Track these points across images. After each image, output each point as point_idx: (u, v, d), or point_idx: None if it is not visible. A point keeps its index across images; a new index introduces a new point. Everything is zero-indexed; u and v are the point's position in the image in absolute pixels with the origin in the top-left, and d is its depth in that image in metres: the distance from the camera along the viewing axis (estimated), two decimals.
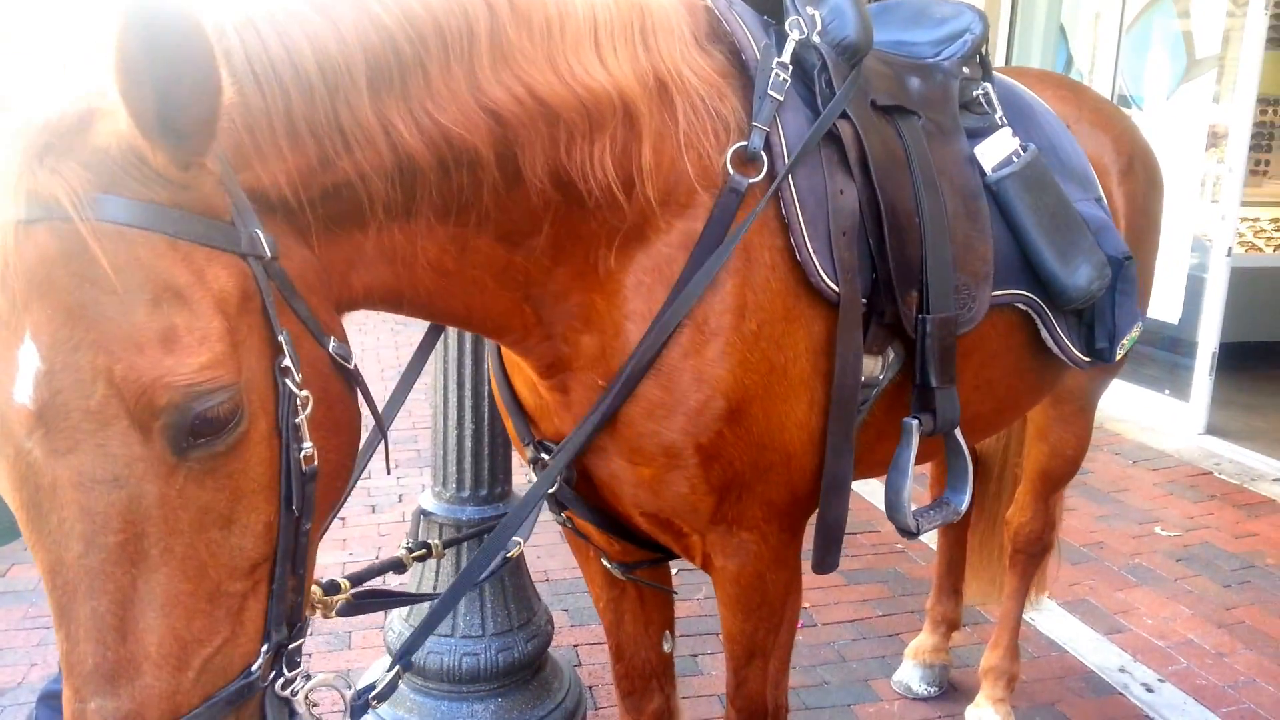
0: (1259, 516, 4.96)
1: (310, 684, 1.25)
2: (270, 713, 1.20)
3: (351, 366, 1.28)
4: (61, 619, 1.05)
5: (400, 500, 4.79)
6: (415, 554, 1.81)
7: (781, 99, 1.67)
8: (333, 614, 1.49)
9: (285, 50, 1.22)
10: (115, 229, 1.02)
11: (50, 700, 2.84)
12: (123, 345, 1.01)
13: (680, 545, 1.86)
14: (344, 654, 3.52)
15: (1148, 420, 6.25)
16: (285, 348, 1.15)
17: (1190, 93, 6.37)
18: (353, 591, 1.51)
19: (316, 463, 1.19)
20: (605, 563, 2.05)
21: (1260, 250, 7.76)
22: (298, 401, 1.16)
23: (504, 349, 1.86)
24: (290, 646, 1.22)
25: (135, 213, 1.04)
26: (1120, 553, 4.51)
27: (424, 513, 2.77)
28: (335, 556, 4.24)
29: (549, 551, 4.29)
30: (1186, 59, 6.44)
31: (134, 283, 1.02)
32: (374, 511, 4.59)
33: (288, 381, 1.15)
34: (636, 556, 2.03)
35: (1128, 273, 2.17)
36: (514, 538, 1.66)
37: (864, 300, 1.73)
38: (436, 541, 1.77)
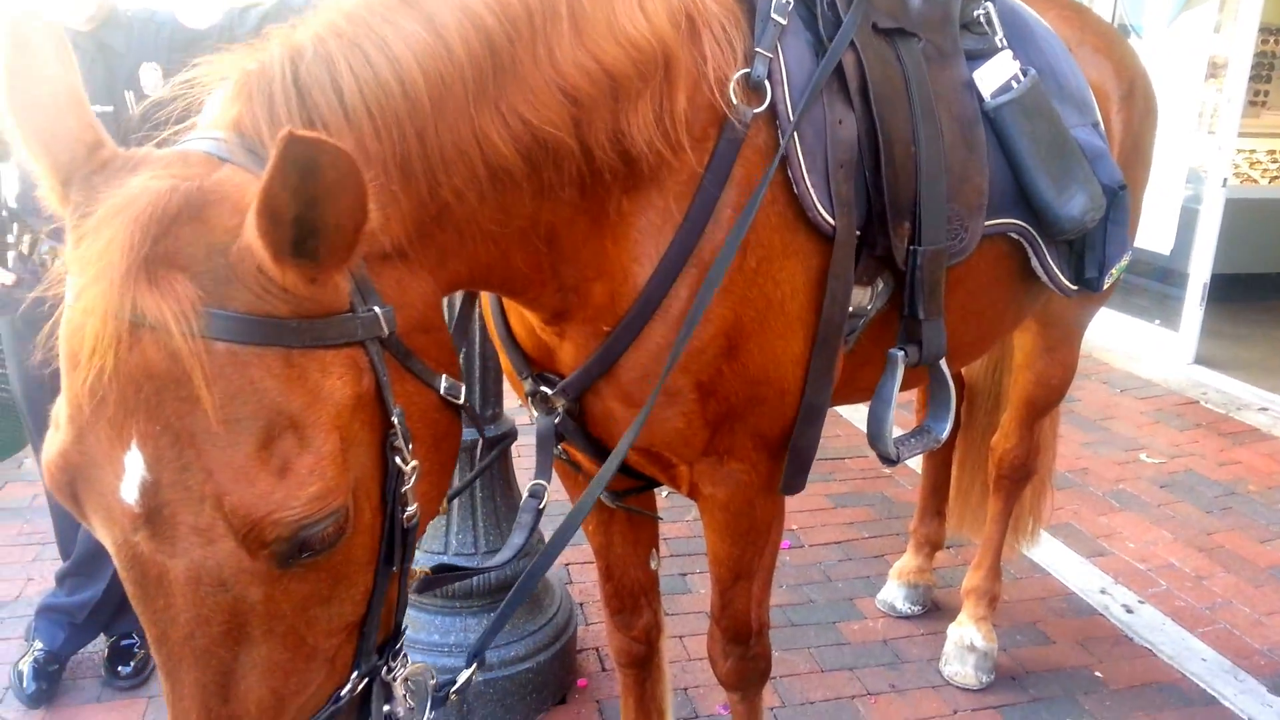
0: (1243, 444, 5.03)
1: (404, 673, 1.29)
2: (375, 702, 1.24)
3: (461, 400, 1.26)
4: (167, 677, 1.09)
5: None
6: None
7: (785, 22, 1.62)
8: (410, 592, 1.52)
9: (397, 78, 1.18)
10: (226, 349, 0.99)
11: (49, 614, 2.89)
12: (232, 476, 0.99)
13: (667, 475, 1.87)
14: None
15: (1137, 350, 6.29)
16: (398, 424, 1.13)
17: (1191, 21, 6.28)
18: (430, 567, 1.52)
19: (419, 517, 1.19)
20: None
21: (1255, 182, 7.73)
22: (405, 474, 1.15)
23: None
24: (388, 655, 1.26)
25: (250, 330, 1.00)
26: (1105, 479, 4.58)
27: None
28: None
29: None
30: None
31: (245, 411, 0.99)
32: None
33: (397, 459, 1.14)
34: (626, 485, 2.05)
35: (1121, 202, 2.14)
36: (538, 480, 1.67)
37: (857, 232, 1.71)
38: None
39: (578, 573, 3.63)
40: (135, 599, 1.07)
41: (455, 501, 2.77)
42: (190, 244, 0.99)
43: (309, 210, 0.96)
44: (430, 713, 1.37)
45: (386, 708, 1.27)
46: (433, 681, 1.38)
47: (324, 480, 1.03)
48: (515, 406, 5.19)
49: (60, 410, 1.04)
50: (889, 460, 1.93)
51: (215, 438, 0.98)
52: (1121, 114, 2.51)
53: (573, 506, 1.65)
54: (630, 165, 1.49)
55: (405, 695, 1.30)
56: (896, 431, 1.93)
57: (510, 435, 2.85)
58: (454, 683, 1.45)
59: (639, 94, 1.44)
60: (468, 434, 2.72)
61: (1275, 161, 7.99)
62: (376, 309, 1.12)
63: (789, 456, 1.82)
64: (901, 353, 1.84)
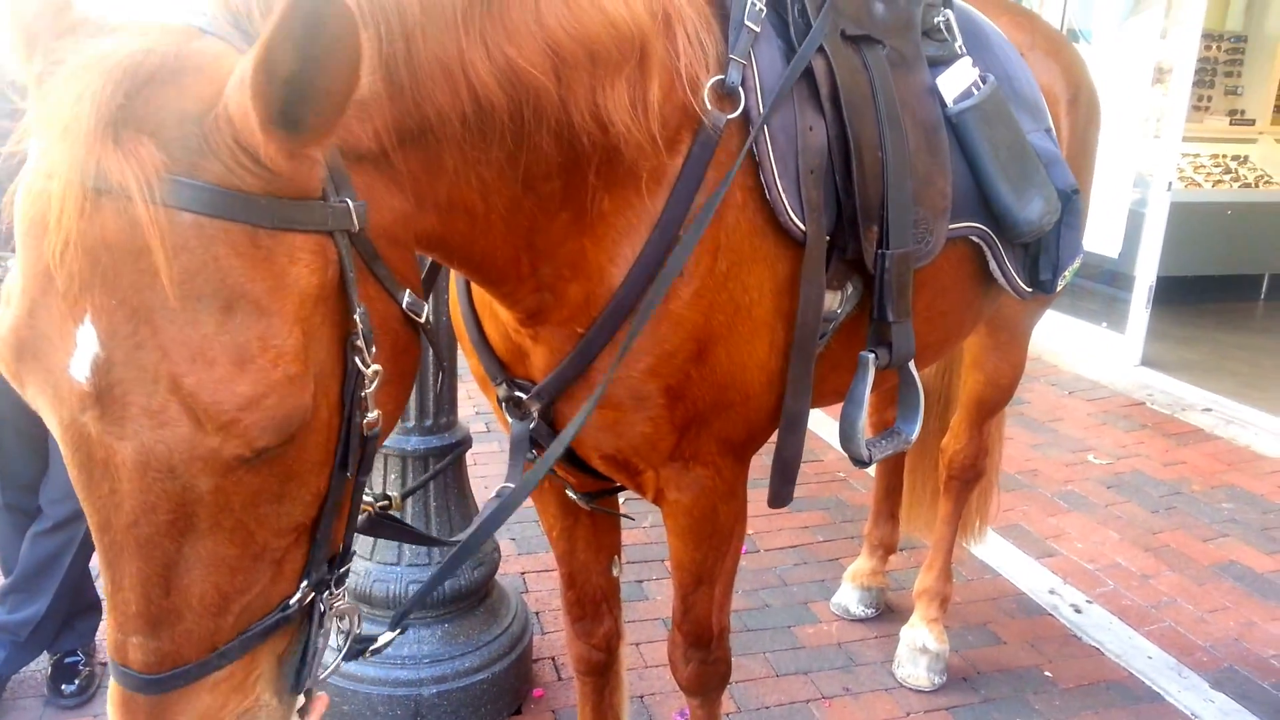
0: (1187, 445, 5.13)
1: (338, 605, 1.27)
2: (314, 625, 1.23)
3: (422, 319, 1.25)
4: (107, 568, 1.06)
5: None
6: (379, 505, 1.81)
7: (758, 30, 1.64)
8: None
9: None
10: (192, 220, 0.95)
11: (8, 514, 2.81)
12: (191, 357, 0.95)
13: (634, 481, 1.87)
14: None
15: (1085, 352, 6.39)
16: (360, 325, 1.11)
17: (1137, 27, 6.40)
18: (377, 508, 1.49)
19: (379, 427, 1.17)
20: (570, 494, 2.06)
21: (1199, 186, 7.90)
22: (365, 377, 1.13)
23: (475, 292, 1.84)
24: (338, 573, 1.24)
25: (218, 202, 0.96)
26: (1053, 480, 4.65)
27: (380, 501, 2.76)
28: None
29: (497, 482, 4.25)
30: None
31: (207, 288, 0.96)
32: None
33: (357, 360, 1.12)
34: (598, 487, 2.05)
35: (1074, 205, 2.19)
36: (506, 484, 1.66)
37: (827, 237, 1.72)
38: (395, 494, 1.75)
39: (534, 581, 3.62)
40: (79, 484, 1.04)
41: (409, 511, 2.75)
42: (161, 109, 0.95)
43: (305, 69, 0.94)
44: (339, 659, 1.36)
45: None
46: (358, 629, 1.36)
47: (285, 372, 1.00)
48: (470, 415, 5.17)
49: (13, 284, 1.00)
50: (861, 462, 1.96)
51: (173, 315, 0.94)
52: (1069, 117, 2.57)
53: (526, 483, 1.63)
54: (608, 152, 1.48)
55: (335, 627, 1.28)
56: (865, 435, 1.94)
57: (465, 443, 2.84)
58: (374, 639, 1.42)
59: (616, 70, 1.44)
60: (422, 442, 2.71)
61: (1218, 166, 8.17)
62: (349, 201, 1.10)
63: (775, 467, 1.84)
64: (872, 355, 1.86)
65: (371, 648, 1.41)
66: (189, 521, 1.04)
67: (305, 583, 1.18)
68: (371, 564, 2.73)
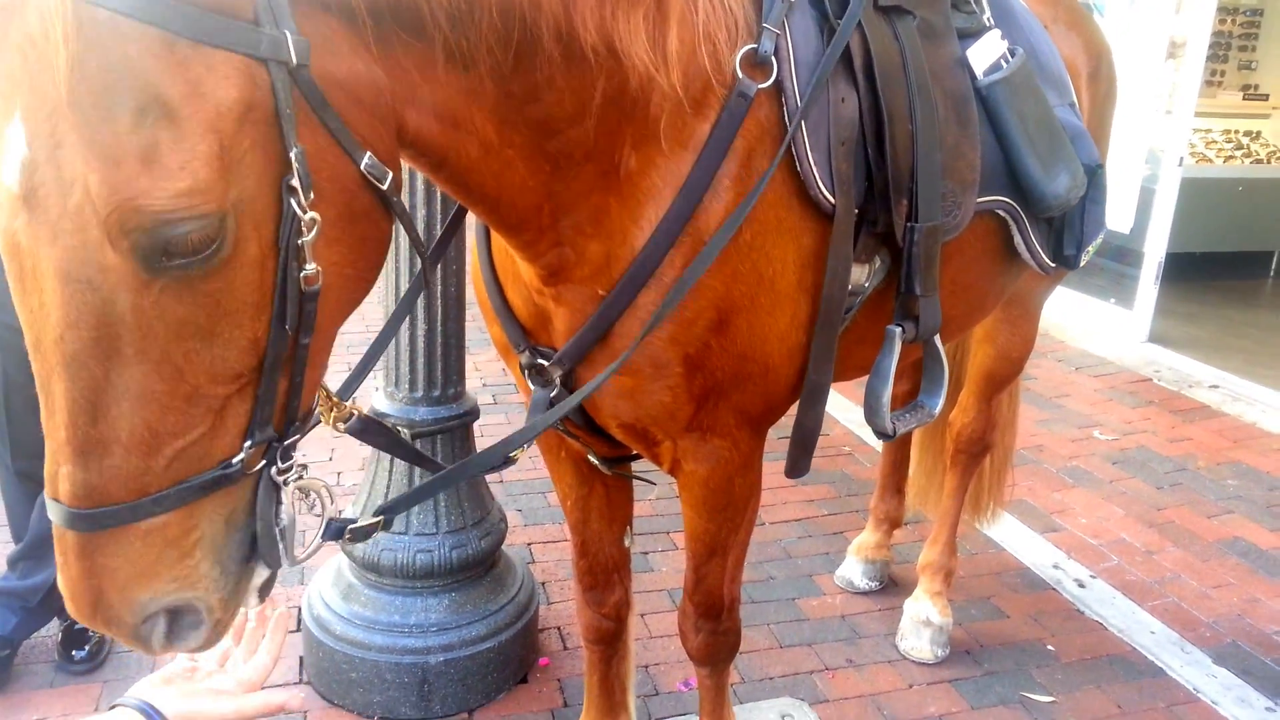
0: (1193, 421, 5.13)
1: (300, 481, 1.27)
2: (261, 496, 1.22)
3: (385, 186, 1.22)
4: (42, 390, 1.08)
5: (354, 402, 4.77)
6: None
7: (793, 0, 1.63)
8: (341, 426, 1.50)
9: None
10: (106, 17, 0.96)
11: (0, 598, 2.85)
12: (100, 155, 0.97)
13: (651, 452, 1.88)
14: (299, 589, 3.54)
15: (1092, 328, 6.38)
16: (295, 165, 1.09)
17: (1151, 0, 6.33)
18: (367, 411, 1.50)
19: (321, 282, 1.16)
20: (593, 459, 2.07)
21: (1210, 161, 7.84)
22: (302, 223, 1.11)
23: (497, 257, 1.84)
24: (285, 443, 1.23)
25: (132, 2, 0.96)
26: (1059, 455, 4.65)
27: (377, 414, 2.78)
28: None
29: None
30: None
31: (120, 86, 0.97)
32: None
33: (293, 202, 1.10)
34: (616, 454, 2.06)
35: (1099, 180, 2.19)
36: (515, 456, 1.65)
37: (856, 210, 1.72)
38: (405, 431, 1.76)
39: (540, 552, 3.64)
40: (16, 300, 1.05)
41: (417, 482, 2.76)
42: None
43: None
44: (318, 539, 1.35)
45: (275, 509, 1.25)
46: (331, 505, 1.36)
47: (193, 177, 1.00)
48: (478, 387, 5.17)
49: None
50: (885, 435, 1.97)
51: (87, 113, 0.96)
52: (1089, 91, 2.56)
53: (533, 426, 1.66)
54: (630, 95, 1.47)
55: (293, 504, 1.27)
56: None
57: (472, 414, 2.85)
58: (353, 522, 1.43)
59: (631, 2, 1.42)
60: (430, 413, 2.72)
61: (1230, 141, 8.11)
62: (288, 33, 1.08)
63: (794, 437, 1.86)
64: (899, 329, 1.86)
65: (351, 527, 1.41)
66: (113, 344, 1.04)
67: (249, 443, 1.17)
68: (380, 533, 2.74)
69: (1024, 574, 3.65)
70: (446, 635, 2.72)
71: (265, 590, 1.31)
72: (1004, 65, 1.98)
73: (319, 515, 1.38)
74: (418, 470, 2.76)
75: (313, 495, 1.34)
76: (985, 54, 1.98)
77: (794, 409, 1.89)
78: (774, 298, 1.69)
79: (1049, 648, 3.21)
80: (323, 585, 2.89)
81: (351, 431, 1.52)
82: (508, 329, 1.84)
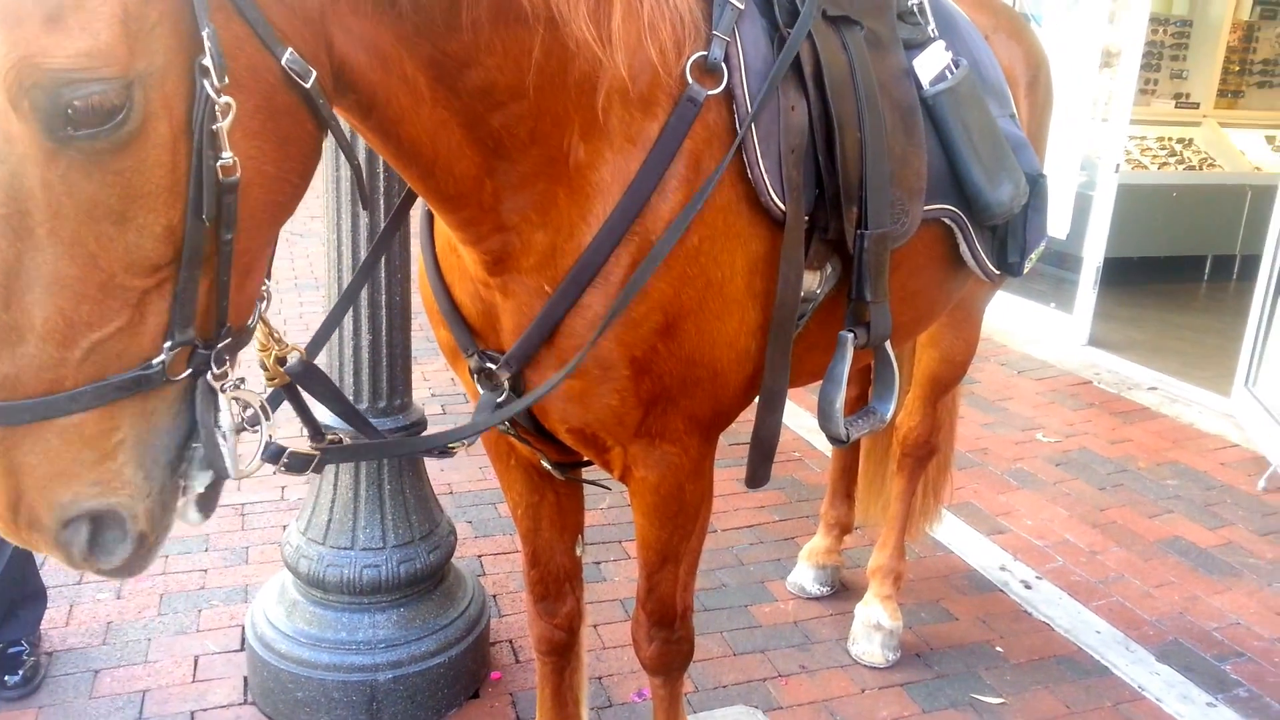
0: (1133, 423, 5.23)
1: (237, 392, 1.26)
2: (200, 401, 1.21)
3: (308, 84, 1.20)
4: None
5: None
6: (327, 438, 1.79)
7: (742, 7, 1.65)
8: (276, 378, 1.49)
9: None
10: None
11: None
12: (4, 16, 0.97)
13: (601, 459, 1.87)
14: (241, 569, 3.48)
15: (1034, 332, 6.49)
16: (207, 45, 1.08)
17: (1086, 11, 6.47)
18: (305, 360, 1.50)
19: (239, 174, 1.14)
20: (546, 464, 2.05)
21: (1145, 168, 8.03)
22: (216, 107, 1.10)
23: (443, 255, 1.82)
24: (215, 349, 1.22)
25: None
26: (1003, 458, 4.72)
27: (325, 427, 2.71)
28: None
29: (453, 465, 4.28)
30: None
31: None
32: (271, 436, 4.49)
33: (205, 83, 1.09)
34: (572, 458, 2.05)
35: (1041, 190, 2.24)
36: (457, 447, 1.67)
37: (806, 217, 1.73)
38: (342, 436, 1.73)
39: (491, 564, 3.60)
40: None
41: (363, 495, 2.72)
42: None
43: None
44: (258, 458, 1.33)
45: (215, 417, 1.23)
46: (268, 421, 1.33)
47: (93, 39, 1.00)
48: (425, 397, 5.11)
49: None
50: (839, 440, 1.98)
51: None
52: (1028, 99, 2.60)
53: (475, 426, 1.67)
54: (563, 70, 1.47)
55: (232, 413, 1.25)
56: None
57: (419, 425, 2.81)
58: (283, 450, 1.40)
59: None
60: (376, 425, 2.67)
61: (1164, 148, 8.31)
62: None
63: (753, 445, 1.86)
64: (851, 335, 1.88)
65: (290, 450, 1.39)
66: (23, 221, 1.04)
67: (169, 344, 1.16)
68: (325, 548, 2.69)
69: (971, 576, 3.69)
70: (395, 652, 2.68)
71: (207, 506, 1.29)
72: (949, 76, 2.02)
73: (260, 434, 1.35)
74: (363, 483, 2.72)
75: (251, 410, 1.31)
76: (931, 64, 2.01)
77: (747, 416, 1.89)
78: (723, 303, 1.69)
79: (998, 649, 3.24)
80: (267, 603, 2.83)
81: (291, 374, 1.50)
82: (455, 332, 1.82)
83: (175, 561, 3.49)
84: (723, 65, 1.61)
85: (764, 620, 3.34)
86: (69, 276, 1.07)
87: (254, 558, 3.55)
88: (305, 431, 1.57)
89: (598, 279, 1.60)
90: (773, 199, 1.67)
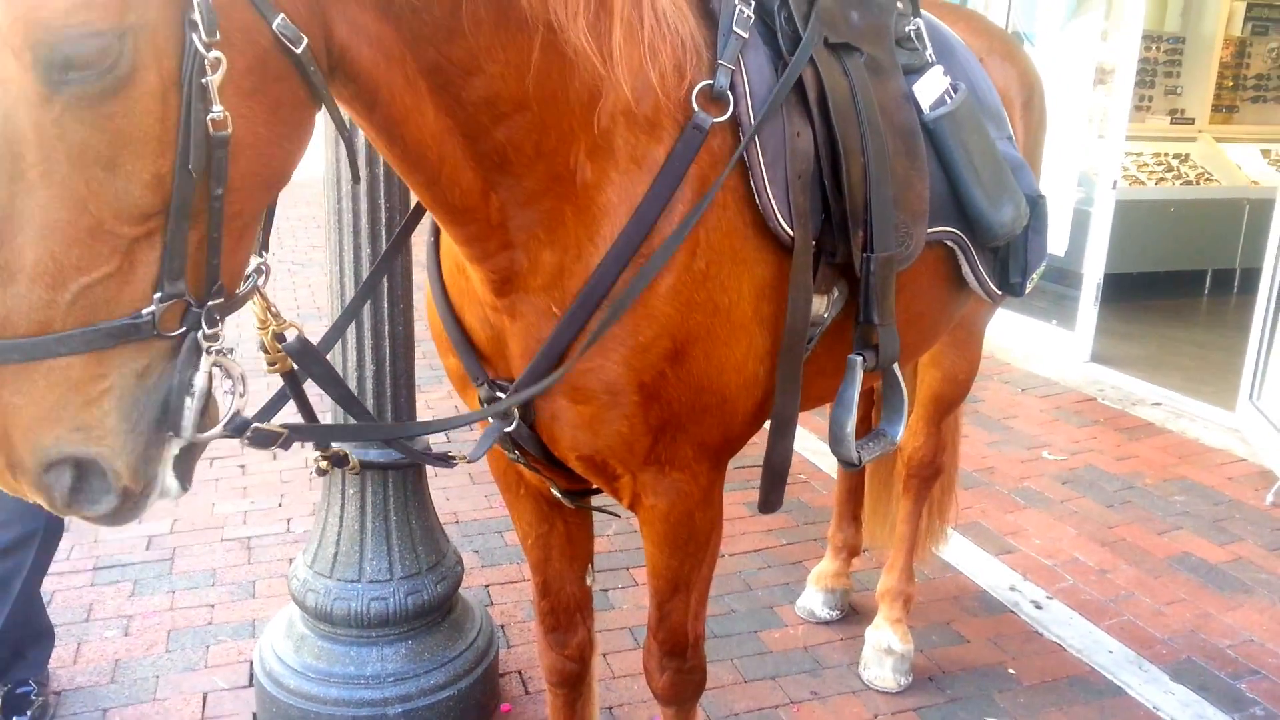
0: (1138, 439, 5.22)
1: (221, 357, 1.26)
2: (183, 356, 1.22)
3: (299, 51, 1.22)
4: None
5: (303, 446, 4.69)
6: (326, 456, 1.78)
7: (746, 36, 1.67)
8: (276, 358, 1.51)
9: None
10: None
11: None
12: None
13: (611, 487, 1.87)
14: (248, 603, 3.46)
15: (1036, 350, 6.48)
16: (196, 1, 1.11)
17: (1079, 29, 6.51)
18: (303, 338, 1.52)
19: (231, 129, 1.17)
20: (556, 493, 2.05)
21: (1142, 184, 8.05)
22: (205, 62, 1.12)
23: (450, 279, 1.83)
24: (206, 306, 1.23)
25: None
26: (1010, 477, 4.70)
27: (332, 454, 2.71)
28: (237, 505, 4.15)
29: (459, 494, 4.27)
30: None
31: None
32: (275, 459, 4.49)
33: (194, 37, 1.12)
34: (581, 486, 2.05)
35: (1040, 210, 2.26)
36: (459, 457, 1.69)
37: (813, 241, 1.75)
38: (354, 458, 1.73)
39: (498, 594, 3.58)
40: None
41: (369, 526, 2.71)
42: None
43: None
44: (220, 428, 1.30)
45: (198, 377, 1.23)
46: (242, 398, 1.32)
47: None
48: None
49: None
50: (851, 464, 1.98)
51: None
52: (1023, 120, 2.62)
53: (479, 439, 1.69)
54: (564, 83, 1.49)
55: (209, 376, 1.25)
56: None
57: (423, 453, 2.80)
58: (249, 423, 1.38)
59: None
60: (382, 454, 2.66)
61: (1160, 164, 8.34)
62: None
63: (765, 472, 1.86)
64: (860, 358, 1.89)
65: (255, 425, 1.38)
66: (15, 164, 1.08)
67: (159, 295, 1.18)
68: (332, 581, 2.68)
69: (981, 597, 3.67)
70: (404, 685, 2.66)
71: (184, 473, 1.28)
72: (948, 100, 2.04)
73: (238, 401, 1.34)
74: (369, 514, 2.71)
75: (231, 381, 1.31)
76: (930, 89, 2.03)
77: (754, 439, 1.89)
78: (730, 328, 1.70)
79: (1010, 671, 3.22)
80: (275, 637, 2.81)
81: (289, 352, 1.52)
82: (464, 359, 1.83)
83: (182, 597, 3.47)
84: (728, 94, 1.63)
85: (774, 646, 3.32)
86: (60, 220, 1.10)
87: (261, 591, 3.53)
88: (310, 446, 1.57)
89: (606, 302, 1.60)
90: (781, 224, 1.68)
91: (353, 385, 2.68)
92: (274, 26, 1.20)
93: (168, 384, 1.23)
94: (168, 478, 1.27)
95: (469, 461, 1.80)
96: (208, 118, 1.14)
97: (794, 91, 1.73)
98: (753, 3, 1.70)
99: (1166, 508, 4.42)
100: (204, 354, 1.24)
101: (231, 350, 1.30)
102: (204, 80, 1.13)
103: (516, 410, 1.73)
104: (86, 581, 3.54)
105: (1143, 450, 5.07)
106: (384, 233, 2.58)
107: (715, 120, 1.61)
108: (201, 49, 1.12)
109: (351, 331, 2.67)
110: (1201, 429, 5.29)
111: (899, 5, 2.08)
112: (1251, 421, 5.10)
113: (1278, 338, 5.03)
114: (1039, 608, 3.59)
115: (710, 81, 1.62)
